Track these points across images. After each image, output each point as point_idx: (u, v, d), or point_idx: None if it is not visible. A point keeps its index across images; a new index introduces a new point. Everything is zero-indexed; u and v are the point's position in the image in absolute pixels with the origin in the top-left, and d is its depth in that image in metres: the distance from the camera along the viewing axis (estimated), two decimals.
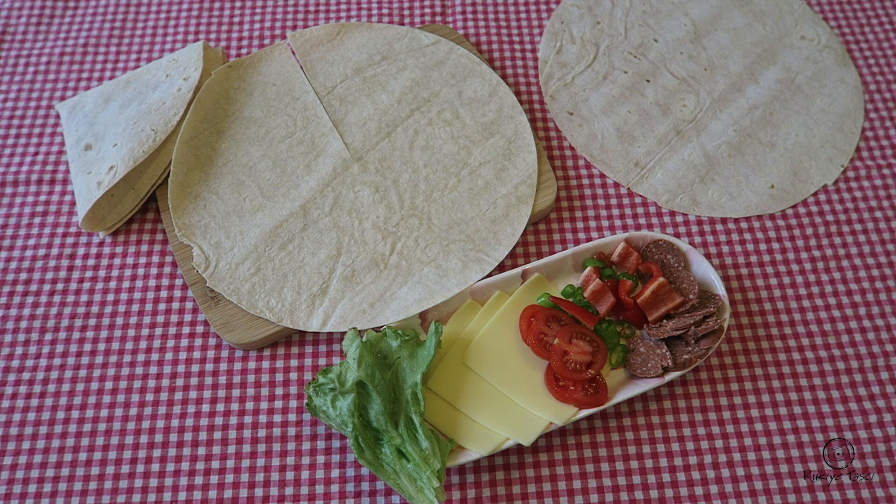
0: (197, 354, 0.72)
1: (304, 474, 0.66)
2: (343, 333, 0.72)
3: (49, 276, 0.75)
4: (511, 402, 0.67)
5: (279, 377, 0.71)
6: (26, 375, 0.70)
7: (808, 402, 0.70)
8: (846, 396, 0.71)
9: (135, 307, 0.74)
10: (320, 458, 0.67)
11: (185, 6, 0.93)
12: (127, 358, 0.71)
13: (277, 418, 0.69)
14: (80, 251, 0.77)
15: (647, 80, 0.88)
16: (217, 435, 0.68)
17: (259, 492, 0.66)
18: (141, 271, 0.76)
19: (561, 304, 0.69)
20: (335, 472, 0.66)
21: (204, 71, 0.81)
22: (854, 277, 0.77)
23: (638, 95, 0.87)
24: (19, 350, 0.72)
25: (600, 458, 0.67)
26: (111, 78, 0.88)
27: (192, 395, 0.70)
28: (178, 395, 0.70)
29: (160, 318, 0.73)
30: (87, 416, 0.69)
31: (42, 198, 0.80)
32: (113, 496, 0.65)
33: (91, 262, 0.76)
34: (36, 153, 0.82)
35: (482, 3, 0.94)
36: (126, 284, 0.75)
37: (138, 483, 0.66)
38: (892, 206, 0.81)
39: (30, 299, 0.74)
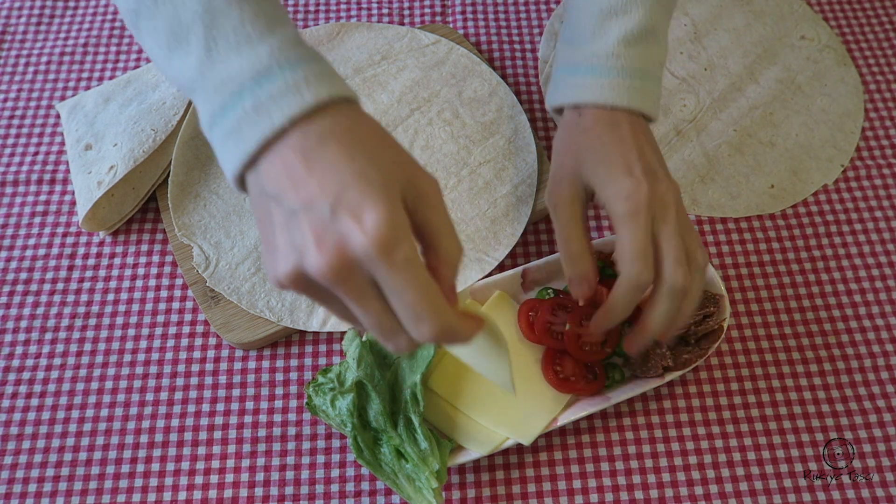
0: (197, 354, 0.72)
1: (304, 474, 0.66)
2: (343, 333, 0.72)
3: (49, 275, 0.75)
4: (511, 402, 0.67)
5: (279, 377, 0.71)
6: (26, 375, 0.70)
7: (808, 402, 0.70)
8: (846, 396, 0.71)
9: (135, 307, 0.74)
10: (320, 458, 0.67)
11: None
12: (127, 358, 0.71)
13: (277, 418, 0.69)
14: (80, 251, 0.77)
15: None
16: (217, 435, 0.68)
17: (259, 491, 0.66)
18: (141, 271, 0.76)
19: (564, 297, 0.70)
20: (335, 472, 0.66)
21: None
22: (854, 277, 0.77)
23: None
24: (19, 350, 0.72)
25: (600, 458, 0.67)
26: (111, 78, 0.88)
27: (192, 394, 0.70)
28: (178, 395, 0.70)
29: (160, 318, 0.73)
30: (87, 416, 0.69)
31: (42, 198, 0.80)
32: (113, 496, 0.65)
33: (91, 261, 0.76)
34: (36, 153, 0.82)
35: (482, 3, 0.94)
36: (126, 284, 0.75)
37: (138, 483, 0.66)
38: (892, 206, 0.81)
39: (30, 299, 0.74)
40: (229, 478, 0.66)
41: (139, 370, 0.71)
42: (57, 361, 0.71)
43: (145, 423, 0.68)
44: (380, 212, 0.41)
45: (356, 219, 0.41)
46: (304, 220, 0.42)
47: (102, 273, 0.76)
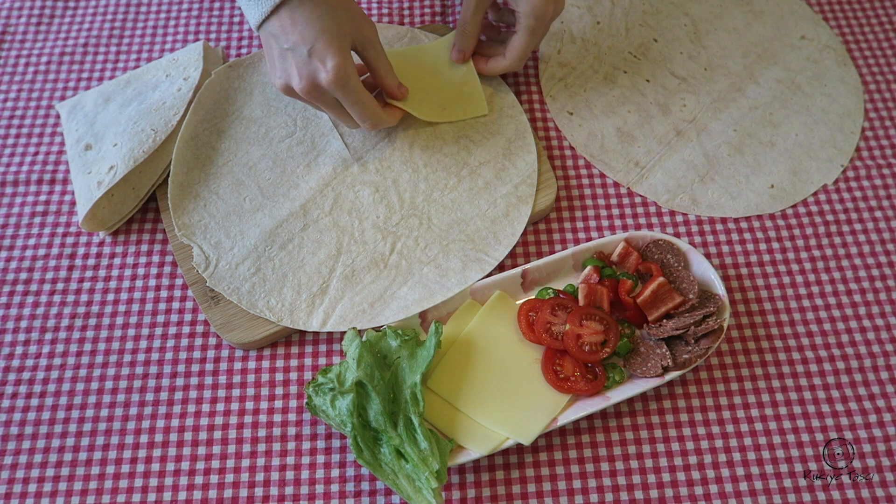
0: (197, 354, 0.72)
1: (304, 474, 0.66)
2: (343, 333, 0.72)
3: (49, 275, 0.75)
4: (511, 402, 0.67)
5: (279, 377, 0.71)
6: (26, 375, 0.70)
7: (808, 402, 0.70)
8: (846, 396, 0.71)
9: (135, 307, 0.74)
10: (320, 458, 0.67)
11: (185, 6, 0.93)
12: (127, 358, 0.71)
13: (277, 418, 0.69)
14: (80, 251, 0.77)
15: (647, 80, 0.88)
16: (217, 435, 0.68)
17: (259, 492, 0.66)
18: (141, 271, 0.76)
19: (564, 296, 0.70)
20: (335, 472, 0.67)
21: (204, 71, 0.81)
22: (854, 277, 0.77)
23: (638, 95, 0.87)
24: (19, 350, 0.72)
25: (600, 458, 0.67)
26: (111, 78, 0.88)
27: (192, 394, 0.70)
28: (178, 395, 0.70)
29: (160, 318, 0.73)
30: (87, 416, 0.69)
31: (42, 198, 0.80)
32: (113, 496, 0.65)
33: (91, 262, 0.76)
34: (36, 153, 0.82)
35: None
36: (126, 284, 0.75)
37: (138, 483, 0.66)
38: (892, 206, 0.81)
39: (30, 299, 0.74)
40: (229, 478, 0.66)
41: (139, 370, 0.71)
42: (57, 361, 0.71)
43: (145, 423, 0.68)
44: (336, 59, 0.66)
45: (322, 62, 0.67)
46: (290, 56, 0.68)
47: (102, 273, 0.76)
